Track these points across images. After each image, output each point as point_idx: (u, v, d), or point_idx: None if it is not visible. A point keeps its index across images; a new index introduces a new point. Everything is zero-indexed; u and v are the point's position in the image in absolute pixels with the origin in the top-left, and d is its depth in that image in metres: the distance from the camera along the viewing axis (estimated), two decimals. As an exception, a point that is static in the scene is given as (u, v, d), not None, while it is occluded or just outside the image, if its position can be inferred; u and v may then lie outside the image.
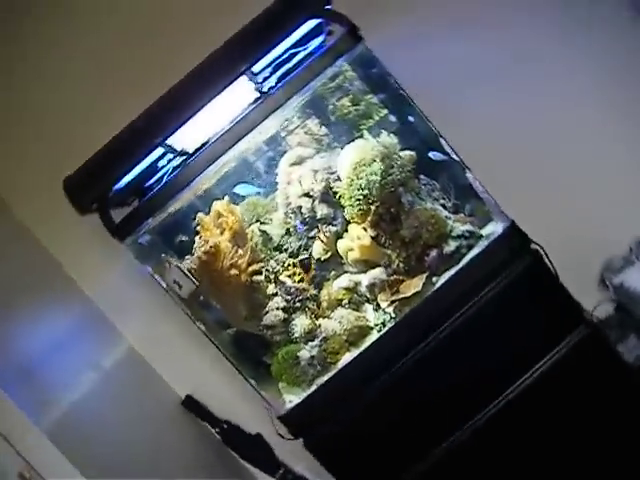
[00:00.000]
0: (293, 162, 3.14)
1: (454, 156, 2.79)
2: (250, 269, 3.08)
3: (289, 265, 3.14)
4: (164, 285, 2.80)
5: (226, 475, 3.35)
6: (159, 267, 2.89)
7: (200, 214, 3.04)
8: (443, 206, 3.04)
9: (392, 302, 2.85)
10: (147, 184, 3.00)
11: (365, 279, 2.90)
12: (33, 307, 2.86)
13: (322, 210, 3.08)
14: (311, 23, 2.63)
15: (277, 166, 3.17)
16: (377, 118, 3.13)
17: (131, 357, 3.45)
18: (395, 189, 2.84)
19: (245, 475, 3.51)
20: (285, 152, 3.18)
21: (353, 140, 3.00)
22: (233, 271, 3.01)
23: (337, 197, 2.95)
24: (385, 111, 3.11)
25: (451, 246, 2.89)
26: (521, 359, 2.80)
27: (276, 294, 3.07)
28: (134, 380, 3.30)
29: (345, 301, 3.02)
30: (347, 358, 2.87)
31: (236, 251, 3.11)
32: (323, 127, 3.32)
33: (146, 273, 2.83)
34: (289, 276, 3.09)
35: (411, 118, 2.92)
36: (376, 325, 2.90)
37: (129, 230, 2.76)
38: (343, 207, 2.94)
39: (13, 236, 3.25)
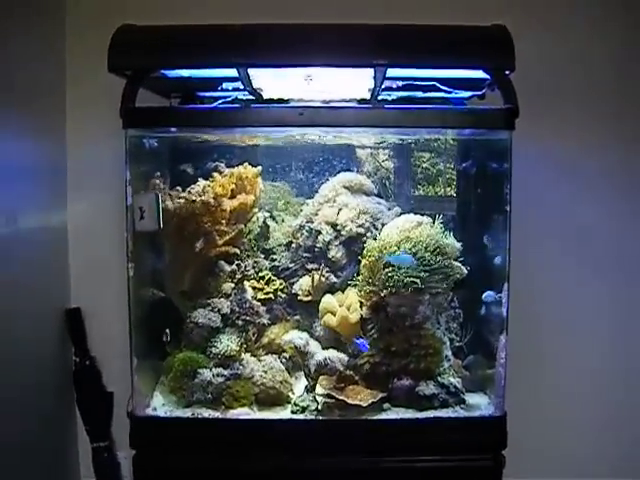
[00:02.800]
0: (347, 186, 2.85)
1: (504, 309, 2.44)
2: (223, 249, 2.67)
3: (262, 277, 2.79)
4: (128, 202, 2.37)
5: (46, 413, 3.01)
6: (140, 180, 2.49)
7: (221, 166, 2.75)
8: (450, 341, 2.67)
9: (329, 396, 2.45)
10: (200, 94, 2.66)
11: (320, 355, 2.52)
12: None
13: (337, 252, 2.77)
14: (479, 74, 2.33)
15: (329, 177, 2.89)
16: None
17: (56, 233, 3.16)
18: (422, 292, 2.49)
19: (67, 426, 3.23)
20: (347, 170, 2.90)
21: (417, 213, 2.71)
22: (207, 239, 2.62)
23: (361, 254, 2.61)
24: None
25: (428, 389, 2.49)
26: None
27: (227, 296, 2.67)
28: (40, 257, 2.98)
29: (284, 355, 2.68)
30: (241, 414, 2.48)
31: (227, 223, 2.70)
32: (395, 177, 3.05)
33: (124, 176, 2.38)
34: (254, 288, 2.73)
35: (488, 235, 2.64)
36: (296, 405, 2.50)
37: (144, 122, 2.38)
38: (358, 268, 2.62)
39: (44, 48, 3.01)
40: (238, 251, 2.72)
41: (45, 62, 3.00)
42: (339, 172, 2.87)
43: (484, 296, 2.56)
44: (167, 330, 2.55)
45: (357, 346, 2.48)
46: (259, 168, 2.75)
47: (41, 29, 2.96)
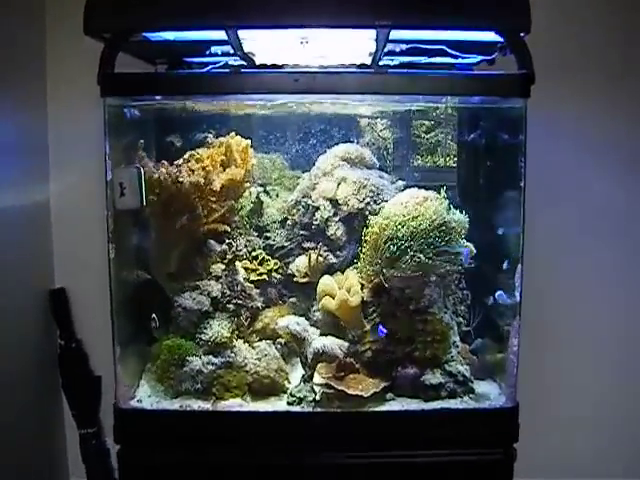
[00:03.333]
0: (347, 158, 2.71)
1: (516, 292, 2.31)
2: (213, 227, 2.54)
3: (255, 257, 2.66)
4: (108, 177, 2.22)
5: (30, 398, 2.94)
6: (121, 154, 2.36)
7: (210, 137, 2.61)
8: (458, 325, 2.57)
9: (327, 385, 2.32)
10: (187, 60, 2.52)
11: (318, 342, 2.40)
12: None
13: (336, 230, 2.65)
14: (490, 36, 2.16)
15: (327, 148, 2.74)
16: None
17: (38, 210, 3.05)
18: (429, 272, 2.36)
19: (53, 412, 3.14)
20: (346, 142, 2.75)
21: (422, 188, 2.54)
22: (195, 216, 2.49)
23: (363, 232, 2.45)
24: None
25: (434, 378, 2.38)
26: None
27: (218, 277, 2.53)
28: (22, 236, 2.90)
29: (280, 341, 2.54)
30: (233, 405, 2.36)
31: (216, 199, 2.55)
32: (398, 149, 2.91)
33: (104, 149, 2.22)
34: (246, 269, 2.60)
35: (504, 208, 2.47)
36: (292, 395, 2.39)
37: (124, 89, 2.22)
38: (360, 246, 2.46)
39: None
40: (229, 229, 2.59)
41: (24, 30, 2.86)
42: (338, 143, 2.74)
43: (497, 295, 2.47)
44: (154, 315, 2.43)
45: (380, 334, 2.37)
46: (248, 141, 2.63)
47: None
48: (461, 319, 2.60)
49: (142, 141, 2.40)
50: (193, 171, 2.42)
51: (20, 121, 2.82)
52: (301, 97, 2.37)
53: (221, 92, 2.24)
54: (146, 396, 2.42)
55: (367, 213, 2.58)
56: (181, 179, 2.36)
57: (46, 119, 3.03)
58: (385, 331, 2.33)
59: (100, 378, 3.07)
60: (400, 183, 2.70)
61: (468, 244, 2.43)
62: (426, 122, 2.87)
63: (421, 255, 2.31)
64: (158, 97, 2.36)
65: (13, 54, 2.72)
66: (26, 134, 2.89)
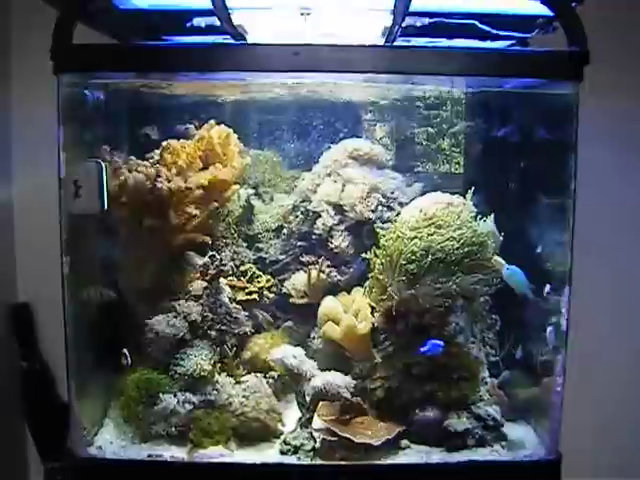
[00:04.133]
0: (355, 156, 2.53)
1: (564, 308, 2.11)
2: (191, 236, 2.33)
3: (244, 273, 2.48)
4: (61, 174, 1.99)
5: None
6: (81, 146, 2.12)
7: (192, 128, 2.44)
8: (485, 356, 2.39)
9: (329, 431, 2.11)
10: (166, 37, 2.27)
11: (318, 379, 2.17)
12: None
13: (341, 242, 2.47)
14: (531, 7, 1.96)
15: (331, 144, 2.58)
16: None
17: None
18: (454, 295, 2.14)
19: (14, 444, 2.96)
20: (354, 136, 2.60)
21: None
22: (170, 224, 2.26)
23: (374, 245, 2.28)
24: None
25: (460, 423, 2.14)
26: None
27: (198, 297, 2.33)
28: None
29: (272, 374, 2.35)
30: (214, 455, 2.13)
31: (196, 202, 2.30)
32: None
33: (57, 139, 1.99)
34: (232, 287, 2.41)
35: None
36: (286, 443, 2.15)
37: (82, 64, 1.94)
38: (370, 262, 2.29)
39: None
40: (209, 239, 2.39)
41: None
42: (344, 138, 2.59)
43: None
44: (125, 350, 2.22)
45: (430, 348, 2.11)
46: (230, 130, 2.44)
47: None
48: (489, 348, 2.43)
49: (106, 131, 2.27)
50: (167, 167, 2.22)
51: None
52: (302, 77, 2.18)
53: (205, 69, 2.00)
54: (110, 440, 2.20)
55: (379, 221, 2.42)
56: (154, 182, 2.17)
57: (9, 111, 2.89)
58: (441, 344, 2.09)
59: (67, 406, 2.74)
60: (417, 186, 2.55)
61: (501, 260, 2.21)
62: (449, 112, 2.69)
63: (445, 274, 2.11)
64: (127, 76, 2.15)
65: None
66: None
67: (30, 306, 2.93)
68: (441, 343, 2.09)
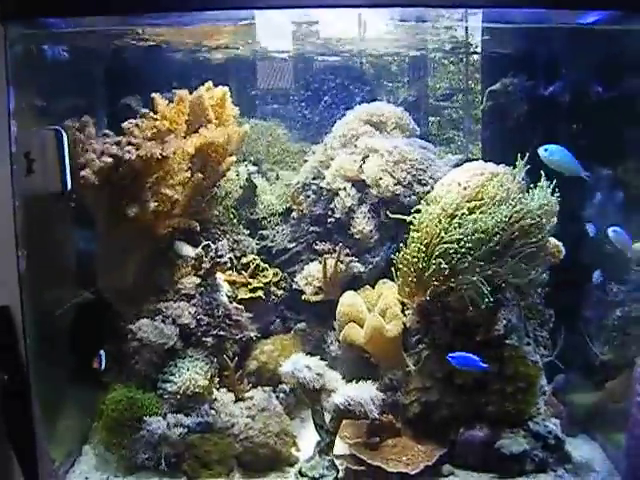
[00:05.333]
0: (375, 122, 2.33)
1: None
2: (178, 221, 2.06)
3: (246, 266, 2.27)
4: (12, 147, 1.67)
5: None
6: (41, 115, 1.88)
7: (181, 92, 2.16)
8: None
9: (355, 458, 1.87)
10: None
11: (339, 395, 1.92)
12: None
13: (363, 224, 2.23)
14: None
15: (345, 110, 2.41)
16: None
17: None
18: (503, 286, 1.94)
19: None
20: (374, 100, 2.40)
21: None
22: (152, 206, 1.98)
23: (405, 226, 2.09)
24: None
25: (516, 444, 1.89)
26: None
27: (190, 296, 2.09)
28: None
29: (282, 388, 2.15)
30: None
31: (183, 181, 2.04)
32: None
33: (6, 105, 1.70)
34: (232, 283, 2.20)
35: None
36: (302, 475, 1.89)
37: (35, 10, 1.67)
38: (399, 248, 2.05)
39: None
40: (197, 225, 2.13)
41: None
42: (361, 103, 2.41)
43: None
44: (101, 352, 1.97)
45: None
46: (225, 88, 2.21)
47: None
48: (542, 348, 2.16)
49: (72, 96, 2.05)
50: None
51: None
52: (308, 14, 2.03)
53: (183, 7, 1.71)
54: (88, 472, 1.99)
55: (409, 198, 2.21)
56: (120, 152, 1.89)
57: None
58: (485, 365, 1.84)
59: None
60: (452, 158, 2.39)
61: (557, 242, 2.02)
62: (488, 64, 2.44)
63: (493, 260, 1.88)
64: (86, 23, 1.89)
65: None
66: None
67: (10, 310, 2.60)
68: (478, 360, 1.83)
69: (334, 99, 2.39)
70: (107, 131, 2.04)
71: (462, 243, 1.88)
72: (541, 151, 1.97)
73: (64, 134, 1.84)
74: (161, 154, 1.98)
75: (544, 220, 1.95)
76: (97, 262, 2.15)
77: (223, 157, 2.20)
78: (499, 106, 2.50)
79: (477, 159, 2.25)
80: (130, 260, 2.11)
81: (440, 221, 1.94)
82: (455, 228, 1.93)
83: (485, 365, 1.88)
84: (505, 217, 1.89)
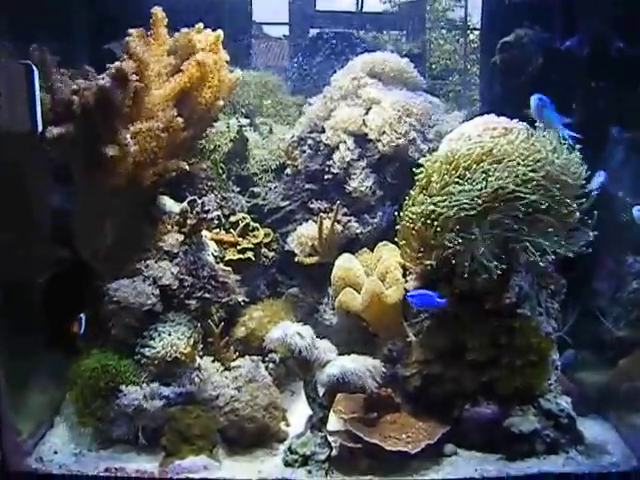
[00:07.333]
0: (378, 73, 2.22)
1: None
2: (160, 167, 1.92)
3: (235, 224, 2.15)
4: None
5: None
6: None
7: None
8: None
9: (350, 434, 1.78)
10: None
11: (334, 366, 1.81)
12: None
13: (362, 181, 2.13)
14: None
15: (342, 59, 2.35)
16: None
17: None
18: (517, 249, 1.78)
19: None
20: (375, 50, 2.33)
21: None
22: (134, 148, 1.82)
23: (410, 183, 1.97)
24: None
25: (526, 422, 1.79)
26: None
27: (173, 255, 1.96)
28: None
29: (272, 358, 2.06)
30: (194, 466, 1.77)
31: (172, 119, 1.86)
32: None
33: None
34: (219, 243, 2.08)
35: None
36: (292, 452, 1.80)
37: None
38: (401, 208, 1.95)
39: None
40: (186, 165, 1.99)
41: None
42: (363, 52, 2.34)
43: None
44: (82, 315, 1.80)
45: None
46: (219, 32, 2.04)
47: None
48: (553, 322, 2.02)
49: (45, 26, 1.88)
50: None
51: None
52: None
53: None
54: (57, 447, 1.88)
55: (414, 154, 2.10)
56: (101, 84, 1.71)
57: None
58: (442, 301, 1.79)
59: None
60: (458, 114, 2.28)
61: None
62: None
63: (507, 222, 1.73)
64: None
65: None
66: None
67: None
68: (435, 296, 1.76)
69: (334, 48, 2.29)
70: (88, 67, 1.89)
71: (472, 202, 1.74)
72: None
73: (35, 70, 1.67)
74: (134, 72, 1.78)
75: (566, 179, 1.79)
76: (73, 217, 2.02)
77: (211, 103, 1.99)
78: (512, 59, 2.27)
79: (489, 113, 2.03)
80: (109, 215, 1.98)
81: (448, 178, 1.81)
82: (463, 186, 1.75)
83: (442, 300, 1.80)
84: (521, 174, 1.74)
